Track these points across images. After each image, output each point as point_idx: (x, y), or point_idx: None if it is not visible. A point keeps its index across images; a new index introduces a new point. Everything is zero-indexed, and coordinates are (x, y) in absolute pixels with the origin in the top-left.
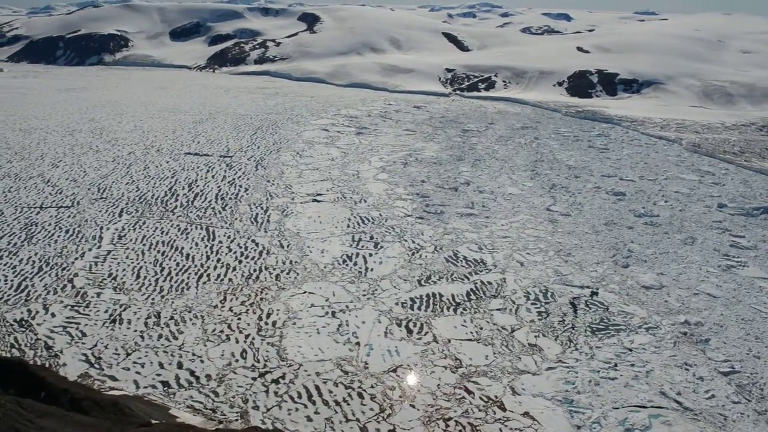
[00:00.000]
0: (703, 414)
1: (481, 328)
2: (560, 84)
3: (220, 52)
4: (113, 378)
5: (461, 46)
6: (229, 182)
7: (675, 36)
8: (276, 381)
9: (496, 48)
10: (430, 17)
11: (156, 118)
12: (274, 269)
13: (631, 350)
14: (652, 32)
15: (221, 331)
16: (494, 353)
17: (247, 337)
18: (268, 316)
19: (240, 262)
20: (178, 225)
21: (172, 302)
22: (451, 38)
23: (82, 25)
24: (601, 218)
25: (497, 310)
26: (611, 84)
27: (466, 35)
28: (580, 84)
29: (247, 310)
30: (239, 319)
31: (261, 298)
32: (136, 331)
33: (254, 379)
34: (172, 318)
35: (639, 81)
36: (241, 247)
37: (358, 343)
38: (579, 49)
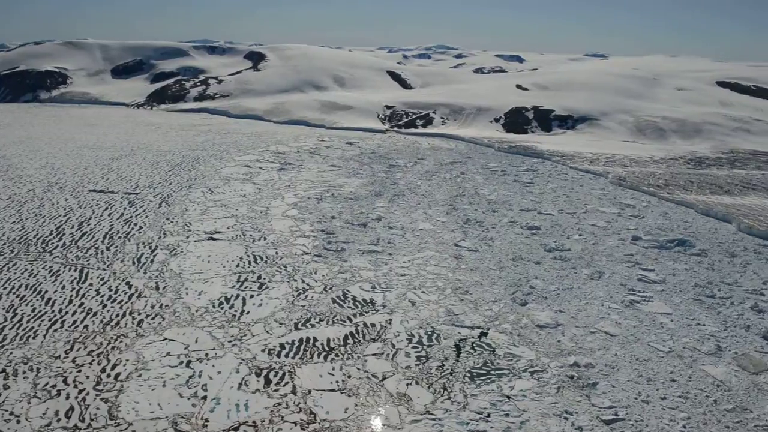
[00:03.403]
0: None
1: (349, 377)
2: (497, 120)
3: (160, 90)
4: None
5: (404, 84)
6: (124, 220)
7: (612, 74)
8: None
9: (438, 86)
10: (386, 58)
11: (72, 155)
12: (140, 314)
13: (509, 398)
14: (591, 71)
15: (53, 386)
16: (356, 405)
17: (80, 392)
18: (114, 367)
19: (104, 306)
20: (51, 267)
21: (10, 353)
22: (395, 76)
23: (21, 62)
24: (510, 253)
25: (373, 355)
26: (546, 120)
27: (410, 74)
28: (516, 120)
29: (93, 360)
30: (79, 371)
31: (113, 347)
32: None
33: None
34: (3, 371)
35: (574, 117)
36: (111, 290)
37: (205, 397)
38: (518, 86)
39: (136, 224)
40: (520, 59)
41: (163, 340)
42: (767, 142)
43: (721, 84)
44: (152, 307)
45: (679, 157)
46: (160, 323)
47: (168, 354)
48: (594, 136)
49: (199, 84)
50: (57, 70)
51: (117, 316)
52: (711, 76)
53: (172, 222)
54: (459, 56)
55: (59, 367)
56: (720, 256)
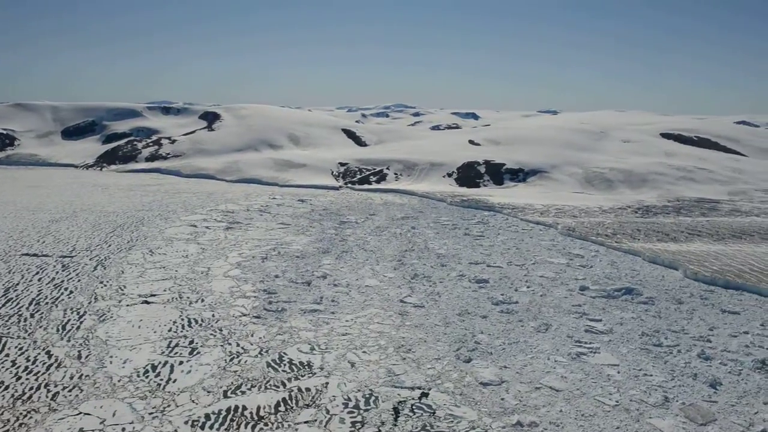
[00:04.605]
0: None
1: None
2: (450, 175)
3: (111, 150)
4: None
5: (359, 142)
6: (55, 285)
7: (562, 129)
8: None
9: (392, 143)
10: (345, 117)
11: (9, 217)
12: (56, 386)
13: None
14: (541, 126)
15: None
16: None
17: None
18: None
19: (18, 378)
20: None
21: None
22: (350, 134)
23: None
24: (456, 308)
25: (305, 422)
26: (498, 173)
27: (365, 131)
28: (468, 174)
29: None
30: None
31: (20, 424)
32: None
33: None
34: None
35: (525, 170)
36: (29, 361)
37: None
38: (471, 142)
39: (66, 289)
40: (475, 116)
41: (78, 414)
42: (711, 189)
43: (665, 135)
44: (71, 378)
45: (626, 206)
46: (77, 396)
47: (80, 430)
48: (544, 188)
49: (151, 144)
50: (4, 131)
51: (30, 389)
52: (655, 128)
53: (105, 285)
54: (416, 114)
55: None
56: (667, 303)
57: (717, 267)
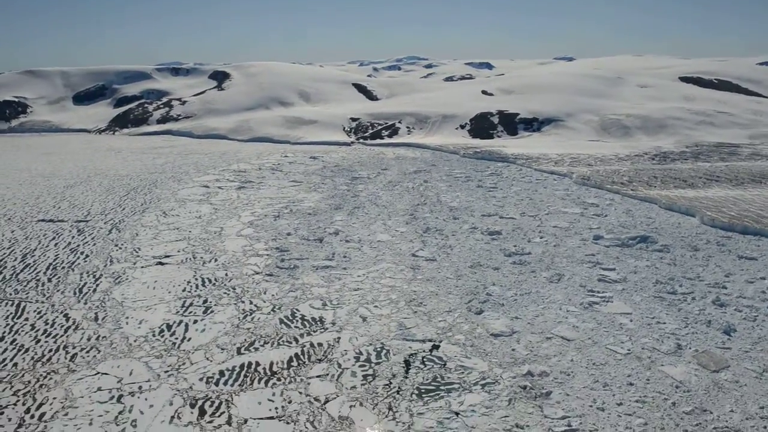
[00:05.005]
0: None
1: (290, 402)
2: (462, 127)
3: (123, 114)
4: None
5: (370, 96)
6: (71, 249)
7: (576, 75)
8: None
9: (404, 96)
10: (356, 72)
11: (26, 184)
12: (74, 347)
13: (458, 414)
14: (555, 73)
15: None
16: None
17: None
18: (40, 406)
19: (38, 341)
20: None
21: None
22: (361, 89)
23: None
24: (469, 261)
25: (317, 377)
26: (512, 124)
27: (376, 85)
28: (481, 126)
29: (17, 401)
30: (2, 414)
31: (41, 385)
32: None
33: None
34: None
35: (539, 119)
36: (47, 324)
37: None
38: (483, 92)
39: (82, 253)
40: (489, 66)
41: (96, 374)
42: (730, 133)
43: (684, 79)
44: (88, 339)
45: (643, 154)
46: (94, 356)
47: (99, 389)
48: (559, 137)
49: (162, 106)
50: (16, 99)
51: (50, 351)
52: (674, 72)
53: (120, 248)
54: (429, 66)
55: None
56: (682, 251)
57: (735, 212)
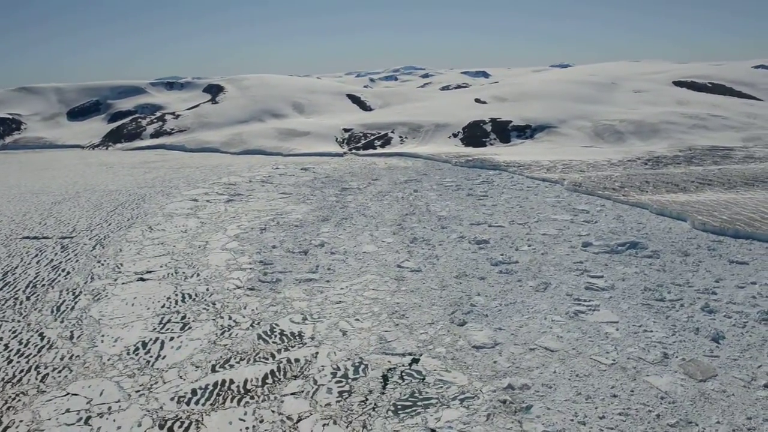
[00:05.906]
0: None
1: (262, 421)
2: (455, 135)
3: (116, 129)
4: None
5: (363, 107)
6: (52, 267)
7: (570, 82)
8: None
9: (397, 106)
10: (353, 83)
11: (14, 200)
12: (46, 368)
13: (434, 431)
14: (548, 80)
15: None
16: None
17: None
18: (5, 430)
19: (9, 362)
20: None
21: None
22: (355, 99)
23: None
24: (454, 271)
25: (291, 394)
26: (505, 131)
27: (370, 95)
28: (474, 134)
29: None
30: None
31: (9, 407)
32: None
33: None
34: None
35: (532, 126)
36: (20, 344)
37: None
38: (477, 100)
39: (64, 270)
40: (486, 75)
41: (65, 395)
42: (724, 136)
43: (678, 84)
44: (61, 359)
45: (636, 158)
46: (66, 377)
47: (67, 411)
48: (552, 143)
49: (155, 120)
50: (10, 116)
51: (21, 372)
52: (668, 76)
53: (102, 264)
54: (426, 75)
55: None
56: (672, 256)
57: (727, 216)
